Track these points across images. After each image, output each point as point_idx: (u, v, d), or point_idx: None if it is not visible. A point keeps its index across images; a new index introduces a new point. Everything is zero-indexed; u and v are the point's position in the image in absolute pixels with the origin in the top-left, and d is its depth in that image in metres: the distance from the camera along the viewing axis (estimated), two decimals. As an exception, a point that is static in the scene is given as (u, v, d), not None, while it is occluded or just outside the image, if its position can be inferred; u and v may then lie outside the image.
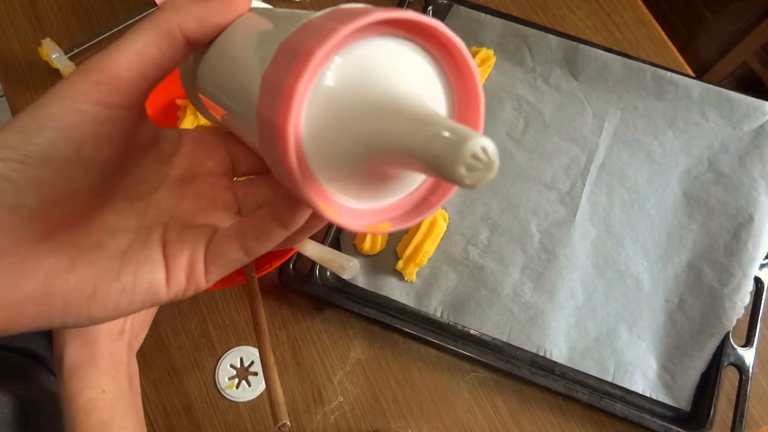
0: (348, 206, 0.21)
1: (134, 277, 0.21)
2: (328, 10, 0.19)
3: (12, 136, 0.19)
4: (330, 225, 0.56)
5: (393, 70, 0.19)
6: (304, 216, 0.22)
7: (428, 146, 0.16)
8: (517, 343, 0.55)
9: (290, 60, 0.18)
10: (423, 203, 0.22)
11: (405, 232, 0.58)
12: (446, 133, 0.16)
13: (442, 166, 0.16)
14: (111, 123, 0.20)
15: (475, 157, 0.16)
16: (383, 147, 0.18)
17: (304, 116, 0.19)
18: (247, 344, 0.57)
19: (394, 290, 0.57)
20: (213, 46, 0.24)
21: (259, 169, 0.26)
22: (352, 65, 0.19)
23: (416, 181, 0.22)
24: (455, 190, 0.21)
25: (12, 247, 0.19)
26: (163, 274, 0.22)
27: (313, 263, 0.56)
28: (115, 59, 0.20)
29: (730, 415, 0.53)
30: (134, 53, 0.20)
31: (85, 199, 0.21)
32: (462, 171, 0.16)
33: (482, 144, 0.16)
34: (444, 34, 0.19)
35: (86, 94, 0.20)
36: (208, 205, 0.24)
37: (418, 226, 0.56)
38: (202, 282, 0.23)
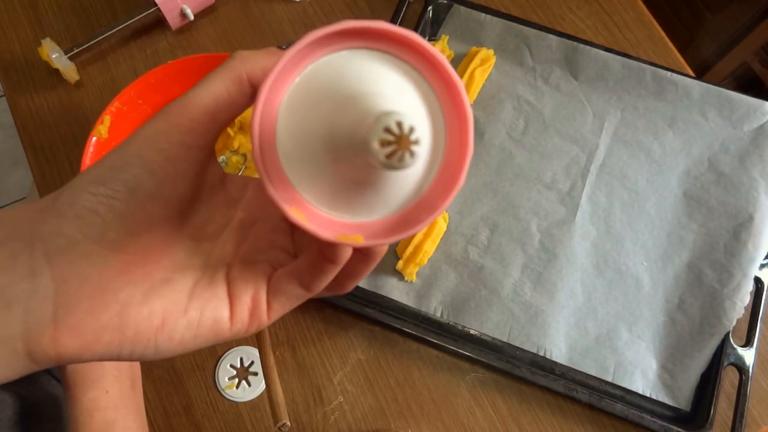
0: (322, 215, 0.21)
1: (200, 313, 0.22)
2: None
3: (102, 171, 0.21)
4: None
5: (363, 77, 0.20)
6: (344, 250, 0.23)
7: (364, 131, 0.17)
8: (517, 343, 0.55)
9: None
10: (402, 224, 0.21)
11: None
12: (375, 115, 0.16)
13: (367, 146, 0.16)
14: (188, 161, 0.22)
15: (387, 130, 0.16)
16: (340, 142, 0.19)
17: (280, 121, 0.20)
18: (247, 344, 0.57)
19: (394, 290, 0.57)
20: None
21: None
22: (324, 72, 0.20)
23: (398, 202, 0.21)
24: (440, 212, 0.20)
25: (95, 276, 0.21)
26: (227, 312, 0.23)
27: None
28: (192, 102, 0.22)
29: (730, 415, 0.53)
30: (208, 97, 0.22)
31: (161, 234, 0.23)
32: (375, 145, 0.16)
33: (397, 118, 0.16)
34: (423, 47, 0.20)
35: (167, 134, 0.21)
36: (267, 247, 0.25)
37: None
38: (265, 319, 0.24)
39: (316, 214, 0.21)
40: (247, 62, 0.22)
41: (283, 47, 0.24)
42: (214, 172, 0.25)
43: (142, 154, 0.21)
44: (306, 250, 0.24)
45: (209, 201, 0.25)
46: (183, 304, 0.22)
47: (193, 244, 0.24)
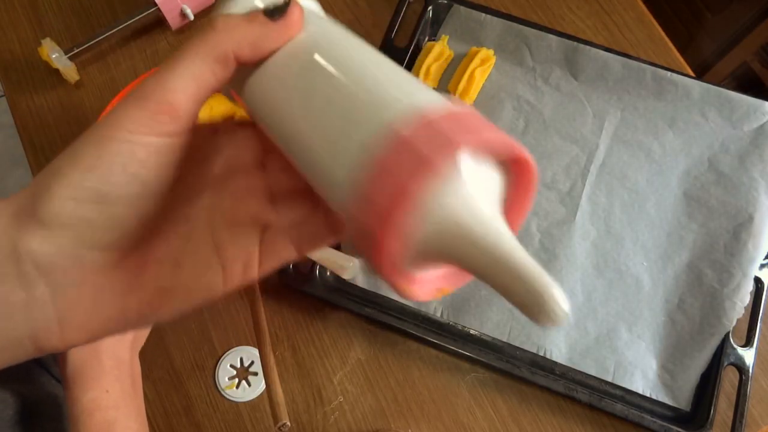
0: (416, 277, 0.22)
1: (194, 284, 0.23)
2: (429, 96, 0.20)
3: (85, 175, 0.20)
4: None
5: (479, 192, 0.20)
6: None
7: (515, 287, 0.18)
8: (517, 343, 0.55)
9: (393, 186, 0.18)
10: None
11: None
12: (531, 286, 0.18)
13: (524, 309, 0.18)
14: (173, 151, 0.21)
15: (553, 313, 0.18)
16: (462, 263, 0.20)
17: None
18: (247, 344, 0.57)
19: (394, 290, 0.57)
20: (267, 65, 0.23)
21: (287, 166, 0.26)
22: (448, 185, 0.19)
23: None
24: None
25: (91, 278, 0.21)
26: (221, 276, 0.23)
27: (314, 263, 0.56)
28: (171, 89, 0.20)
29: (730, 415, 0.53)
30: (190, 80, 0.20)
31: (152, 223, 0.22)
32: (543, 321, 0.18)
33: (564, 307, 0.18)
34: (529, 163, 0.20)
35: (149, 127, 0.20)
36: (246, 195, 0.24)
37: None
38: (255, 276, 0.24)
39: (410, 276, 0.21)
40: (233, 36, 0.21)
41: (270, 8, 0.22)
42: (192, 144, 0.23)
43: (125, 152, 0.20)
44: (284, 196, 0.24)
45: (189, 170, 0.24)
46: (178, 281, 0.23)
47: (176, 215, 0.23)
